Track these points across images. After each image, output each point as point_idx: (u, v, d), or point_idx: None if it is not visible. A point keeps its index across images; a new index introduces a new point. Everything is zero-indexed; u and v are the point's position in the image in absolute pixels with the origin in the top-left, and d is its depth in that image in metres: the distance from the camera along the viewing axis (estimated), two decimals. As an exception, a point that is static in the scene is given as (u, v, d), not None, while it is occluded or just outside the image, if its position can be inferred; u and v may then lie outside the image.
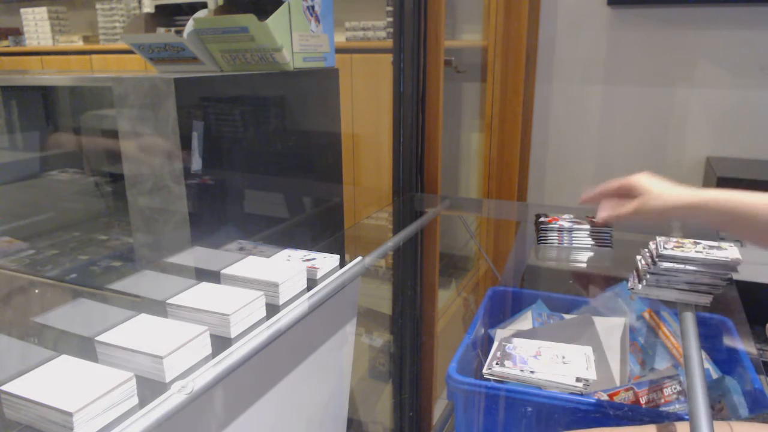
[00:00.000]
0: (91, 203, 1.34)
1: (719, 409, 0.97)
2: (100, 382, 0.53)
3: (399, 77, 1.48)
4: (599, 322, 1.24)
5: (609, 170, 2.32)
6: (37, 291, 0.99)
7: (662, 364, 1.12)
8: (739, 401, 0.97)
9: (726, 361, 1.13)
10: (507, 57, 1.92)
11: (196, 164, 0.89)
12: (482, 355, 1.22)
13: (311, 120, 1.20)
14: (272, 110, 1.09)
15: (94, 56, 3.26)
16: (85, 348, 0.62)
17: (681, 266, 0.86)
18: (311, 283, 0.84)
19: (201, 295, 0.73)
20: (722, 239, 0.96)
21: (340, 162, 1.30)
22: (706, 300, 0.87)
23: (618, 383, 1.14)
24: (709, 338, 1.19)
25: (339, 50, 1.28)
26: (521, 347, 1.09)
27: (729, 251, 0.87)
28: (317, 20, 1.15)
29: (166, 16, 1.18)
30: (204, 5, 1.11)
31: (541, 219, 1.26)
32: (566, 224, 1.22)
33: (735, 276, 0.86)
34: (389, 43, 1.53)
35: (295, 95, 1.14)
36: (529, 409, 0.98)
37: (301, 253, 0.92)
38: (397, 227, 1.35)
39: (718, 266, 0.85)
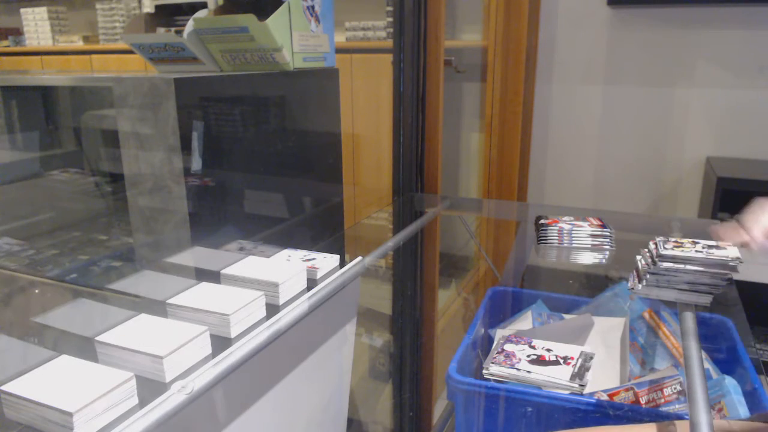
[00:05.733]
0: (91, 203, 1.34)
1: (719, 409, 0.97)
2: (100, 382, 0.53)
3: (399, 77, 1.48)
4: (599, 322, 1.24)
5: (609, 170, 2.32)
6: (37, 291, 0.99)
7: (662, 364, 1.12)
8: (739, 401, 0.97)
9: (726, 361, 1.13)
10: (507, 57, 1.91)
11: (196, 164, 0.89)
12: (482, 355, 1.22)
13: (311, 120, 1.20)
14: (272, 110, 1.09)
15: (94, 56, 3.26)
16: (85, 348, 0.62)
17: (681, 266, 0.86)
18: (311, 283, 0.84)
19: (201, 295, 0.73)
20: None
21: (340, 162, 1.30)
22: (706, 300, 0.87)
23: (618, 383, 1.14)
24: (709, 338, 1.19)
25: (339, 50, 1.28)
26: (521, 347, 1.10)
27: (729, 251, 0.87)
28: (317, 20, 1.15)
29: (166, 16, 1.17)
30: (204, 5, 1.10)
31: (542, 221, 1.26)
32: (566, 226, 1.22)
33: (735, 276, 0.86)
34: (389, 43, 1.53)
35: (295, 95, 1.14)
36: (529, 409, 0.98)
37: (301, 253, 0.92)
38: (397, 227, 1.35)
39: (718, 266, 0.85)
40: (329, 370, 0.96)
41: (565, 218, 1.27)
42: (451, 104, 2.51)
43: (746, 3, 1.97)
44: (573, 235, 1.22)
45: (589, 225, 1.23)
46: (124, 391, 0.54)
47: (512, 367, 1.04)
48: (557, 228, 1.22)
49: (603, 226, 1.23)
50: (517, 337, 1.14)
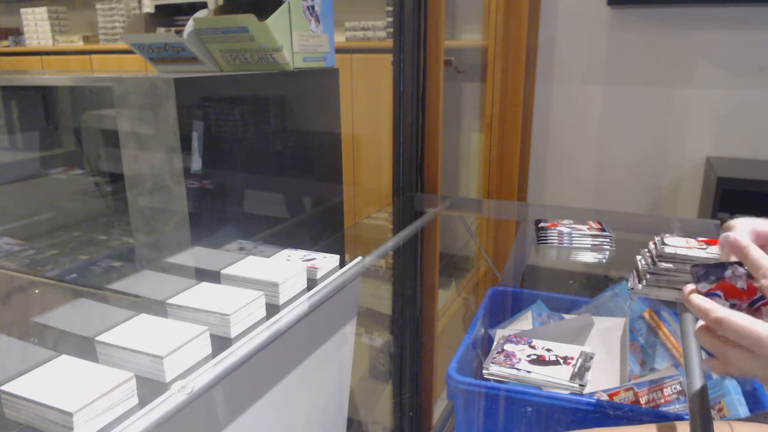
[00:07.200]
0: (91, 203, 1.34)
1: (719, 409, 0.97)
2: (100, 382, 0.53)
3: (399, 77, 1.48)
4: (599, 322, 1.24)
5: (609, 170, 2.32)
6: (37, 291, 0.99)
7: (662, 364, 1.12)
8: (739, 401, 0.97)
9: (726, 361, 1.13)
10: (507, 57, 1.91)
11: (196, 164, 0.89)
12: (482, 355, 1.22)
13: (311, 120, 1.20)
14: (272, 110, 1.09)
15: (94, 56, 3.26)
16: (85, 348, 0.62)
17: (681, 266, 0.86)
18: (311, 283, 0.84)
19: (201, 295, 0.73)
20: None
21: (340, 162, 1.30)
22: (706, 300, 0.87)
23: (618, 383, 1.14)
24: (709, 338, 1.19)
25: (339, 50, 1.28)
26: (521, 347, 1.10)
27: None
28: (317, 20, 1.15)
29: (166, 16, 1.18)
30: (204, 5, 1.10)
31: (541, 225, 1.26)
32: (566, 230, 1.22)
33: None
34: (389, 43, 1.53)
35: (295, 95, 1.14)
36: (529, 409, 0.98)
37: (301, 253, 0.92)
38: (397, 227, 1.35)
39: (718, 266, 0.85)
40: (329, 370, 0.96)
41: (565, 221, 1.27)
42: (451, 104, 2.51)
43: (746, 3, 1.97)
44: (573, 235, 1.22)
45: (588, 228, 1.23)
46: (124, 391, 0.54)
47: (512, 367, 1.04)
48: (557, 231, 1.22)
49: (602, 229, 1.23)
50: (517, 337, 1.14)
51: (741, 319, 0.53)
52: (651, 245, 0.92)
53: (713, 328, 0.55)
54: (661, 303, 1.20)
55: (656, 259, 0.88)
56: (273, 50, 1.04)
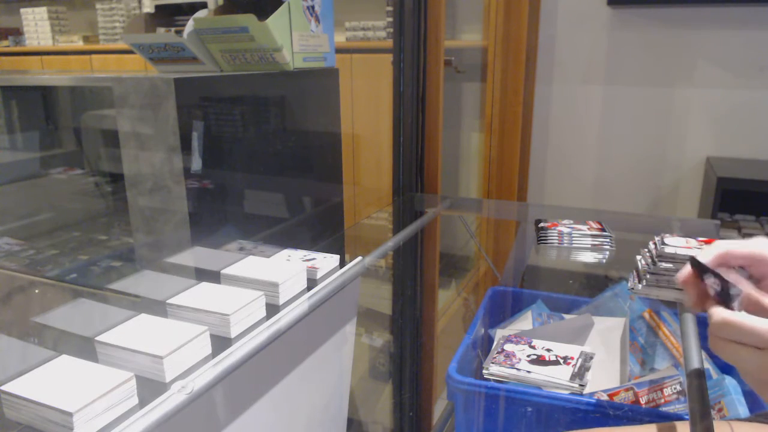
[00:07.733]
0: (91, 203, 1.34)
1: (719, 409, 0.97)
2: (100, 382, 0.53)
3: (399, 77, 1.48)
4: (599, 322, 1.24)
5: (609, 170, 2.32)
6: (37, 291, 0.99)
7: (662, 364, 1.12)
8: (739, 401, 0.97)
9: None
10: (507, 57, 1.92)
11: (196, 164, 0.89)
12: (482, 355, 1.22)
13: (311, 120, 1.20)
14: (272, 110, 1.09)
15: (94, 56, 3.27)
16: (85, 348, 0.62)
17: (681, 266, 0.86)
18: (311, 283, 0.84)
19: (201, 295, 0.73)
20: (722, 238, 0.96)
21: (340, 162, 1.30)
22: (706, 300, 0.86)
23: (618, 383, 1.14)
24: (709, 338, 1.19)
25: (339, 50, 1.28)
26: (521, 347, 1.10)
27: None
28: (317, 20, 1.15)
29: (166, 16, 1.18)
30: (204, 5, 1.11)
31: (541, 225, 1.26)
32: (566, 230, 1.22)
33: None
34: (389, 43, 1.53)
35: (295, 95, 1.14)
36: (529, 409, 0.98)
37: (301, 253, 0.92)
38: (397, 227, 1.35)
39: (718, 266, 0.85)
40: (329, 370, 0.96)
41: (565, 221, 1.27)
42: (451, 104, 2.52)
43: (746, 3, 1.97)
44: (573, 235, 1.22)
45: (588, 228, 1.23)
46: (124, 391, 0.54)
47: (512, 367, 1.04)
48: (557, 231, 1.22)
49: (602, 229, 1.23)
50: (517, 337, 1.14)
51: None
52: (651, 245, 0.92)
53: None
54: (661, 303, 1.20)
55: (656, 259, 0.88)
56: (273, 50, 1.04)
